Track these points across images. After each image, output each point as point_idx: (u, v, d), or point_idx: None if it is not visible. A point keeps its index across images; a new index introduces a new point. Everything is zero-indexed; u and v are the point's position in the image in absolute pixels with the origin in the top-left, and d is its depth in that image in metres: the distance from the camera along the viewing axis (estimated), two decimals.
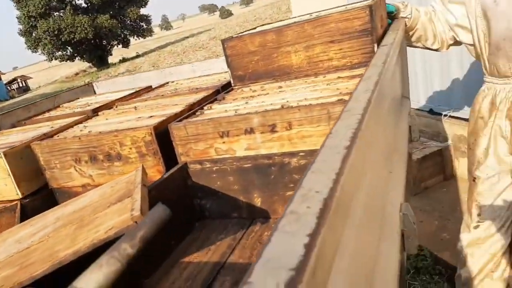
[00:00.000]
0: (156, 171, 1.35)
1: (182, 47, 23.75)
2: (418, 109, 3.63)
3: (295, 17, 1.94)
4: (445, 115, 3.26)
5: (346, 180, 0.48)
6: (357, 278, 0.69)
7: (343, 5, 1.76)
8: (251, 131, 1.17)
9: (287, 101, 1.22)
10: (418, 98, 3.63)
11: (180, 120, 1.31)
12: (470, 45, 1.68)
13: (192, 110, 1.46)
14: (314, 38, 1.48)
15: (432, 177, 3.10)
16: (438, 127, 3.34)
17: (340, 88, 1.23)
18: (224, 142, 1.22)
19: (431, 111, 3.46)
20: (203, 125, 1.23)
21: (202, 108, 1.44)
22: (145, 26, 33.88)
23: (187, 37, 32.11)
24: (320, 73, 1.51)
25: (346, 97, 1.09)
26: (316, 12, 1.84)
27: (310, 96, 1.22)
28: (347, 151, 0.52)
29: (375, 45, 1.40)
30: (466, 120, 3.08)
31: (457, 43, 1.76)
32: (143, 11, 33.18)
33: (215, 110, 1.37)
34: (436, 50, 1.81)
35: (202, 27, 47.35)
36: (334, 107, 1.04)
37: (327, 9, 1.84)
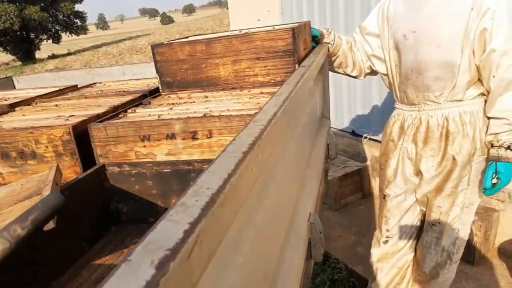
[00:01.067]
0: (73, 172, 1.32)
1: (119, 49, 22.97)
2: (342, 130, 3.88)
3: (227, 32, 2.01)
4: (365, 137, 3.52)
5: (238, 181, 0.53)
6: (255, 274, 0.74)
7: (272, 25, 1.86)
8: (172, 136, 1.20)
9: (210, 111, 1.27)
10: (342, 120, 3.88)
11: (102, 121, 1.31)
12: (384, 74, 1.85)
13: (115, 112, 1.45)
14: (242, 53, 1.56)
15: (352, 194, 3.31)
16: (359, 148, 3.59)
17: (261, 102, 1.31)
18: (144, 146, 1.24)
19: (353, 133, 3.71)
20: (124, 128, 1.23)
21: (125, 111, 1.45)
22: (79, 23, 32.27)
23: (125, 39, 31.12)
24: (246, 87, 1.59)
25: None
26: (247, 29, 1.93)
27: (232, 107, 1.28)
28: (243, 156, 0.58)
29: (296, 65, 1.50)
30: None
31: (373, 72, 1.92)
32: (78, 7, 31.60)
33: (139, 114, 1.38)
34: (355, 77, 1.97)
35: (141, 30, 46.21)
36: (252, 118, 1.11)
37: (258, 27, 1.93)
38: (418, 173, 1.74)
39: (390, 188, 1.84)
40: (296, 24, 1.68)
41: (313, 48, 1.88)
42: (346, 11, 3.50)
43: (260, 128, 0.70)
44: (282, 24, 1.89)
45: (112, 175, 1.29)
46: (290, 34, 1.48)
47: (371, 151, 3.46)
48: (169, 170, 1.22)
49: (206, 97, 1.50)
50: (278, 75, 1.55)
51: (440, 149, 1.65)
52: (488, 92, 1.59)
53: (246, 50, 1.55)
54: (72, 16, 31.28)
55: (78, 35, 32.78)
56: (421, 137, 1.69)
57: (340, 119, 3.92)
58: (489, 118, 1.57)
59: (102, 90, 2.06)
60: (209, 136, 1.16)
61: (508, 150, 1.51)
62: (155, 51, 1.68)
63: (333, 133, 2.21)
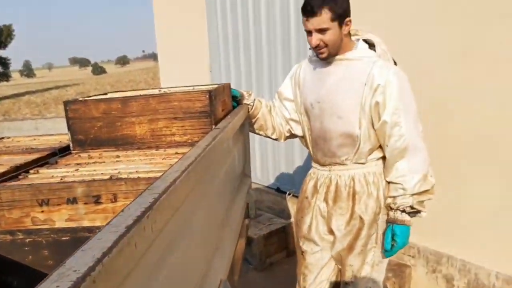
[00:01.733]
0: None
1: (43, 98, 21.85)
2: (267, 187, 3.93)
3: (147, 89, 2.00)
4: (289, 194, 3.58)
5: (115, 260, 0.49)
6: None
7: (191, 86, 1.89)
8: (74, 201, 1.12)
9: (119, 172, 1.22)
10: (268, 177, 3.95)
11: None
12: (301, 137, 1.95)
13: (16, 172, 1.33)
14: (159, 112, 1.54)
15: (277, 252, 3.29)
16: (283, 205, 3.64)
17: (173, 164, 1.28)
18: (42, 211, 1.13)
19: (278, 190, 3.77)
20: (21, 191, 1.13)
21: (27, 171, 1.34)
22: (1, 70, 30.51)
23: (51, 89, 29.77)
24: (162, 146, 1.56)
25: None
26: (168, 88, 1.94)
27: (143, 169, 1.24)
28: (125, 230, 0.54)
29: (213, 126, 1.52)
30: None
31: (293, 135, 2.01)
32: (2, 53, 29.97)
33: (41, 175, 1.28)
34: (276, 139, 2.04)
35: (70, 80, 44.69)
36: None
37: (181, 87, 1.95)
38: (331, 231, 1.79)
39: (306, 245, 1.89)
40: (215, 86, 1.72)
41: (234, 108, 1.93)
42: (270, 74, 3.69)
43: (153, 197, 0.68)
44: (203, 85, 1.92)
45: (3, 245, 1.15)
46: (207, 96, 1.50)
47: (294, 208, 3.51)
48: (68, 238, 1.12)
49: (118, 156, 1.44)
50: (195, 135, 1.55)
51: (348, 208, 1.74)
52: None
53: (164, 110, 1.54)
54: None
55: None
56: (331, 196, 1.79)
57: (265, 176, 3.99)
58: (388, 182, 1.70)
59: (8, 147, 1.90)
60: (113, 200, 1.10)
61: (404, 213, 1.64)
62: (67, 108, 1.60)
63: (253, 192, 2.22)
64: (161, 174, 1.17)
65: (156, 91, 1.79)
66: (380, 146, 1.71)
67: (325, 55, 1.65)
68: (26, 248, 1.15)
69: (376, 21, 2.39)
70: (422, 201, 1.66)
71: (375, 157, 1.72)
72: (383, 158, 1.73)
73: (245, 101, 1.96)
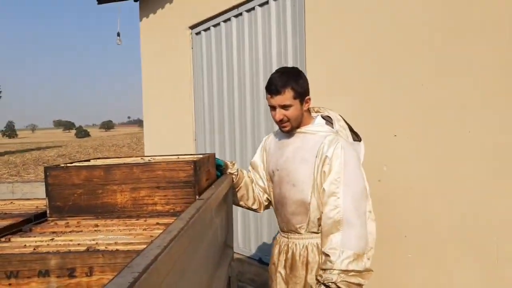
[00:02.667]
0: None
1: (23, 158, 21.47)
2: (249, 257, 3.81)
3: (132, 157, 2.00)
4: None
5: None
6: None
7: (176, 155, 1.90)
8: (46, 273, 1.06)
9: (96, 243, 1.17)
10: (250, 247, 3.84)
11: None
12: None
13: None
14: (142, 181, 1.53)
15: None
16: (266, 277, 3.50)
17: (154, 235, 1.24)
18: (10, 285, 1.06)
19: (260, 260, 3.66)
20: None
21: None
22: None
23: (32, 149, 29.41)
24: (143, 215, 1.52)
25: None
26: (152, 156, 1.94)
27: (122, 240, 1.19)
28: None
29: (197, 196, 1.50)
30: None
31: (270, 204, 2.04)
32: None
33: (12, 244, 1.21)
34: (255, 210, 2.06)
35: (52, 142, 44.38)
36: None
37: (162, 156, 1.95)
38: None
39: None
40: (200, 156, 1.73)
41: (218, 177, 1.93)
42: (254, 143, 3.74)
43: (133, 277, 0.64)
44: (187, 155, 1.94)
45: None
46: (192, 166, 1.50)
47: None
48: None
49: (97, 225, 1.39)
50: (178, 205, 1.53)
51: (302, 277, 1.75)
52: None
53: (147, 179, 1.53)
54: None
55: None
56: (288, 263, 1.81)
57: (248, 246, 3.88)
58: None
59: None
60: (89, 274, 1.04)
61: None
62: (47, 173, 1.58)
63: (235, 264, 2.15)
64: (140, 247, 1.13)
65: (139, 160, 1.78)
66: None
67: (288, 129, 1.80)
68: None
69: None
70: (350, 283, 1.57)
71: None
72: None
73: (229, 171, 1.97)
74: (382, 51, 2.52)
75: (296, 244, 1.80)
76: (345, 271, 1.56)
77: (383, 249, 2.52)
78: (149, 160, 1.73)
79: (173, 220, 1.46)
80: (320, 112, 1.89)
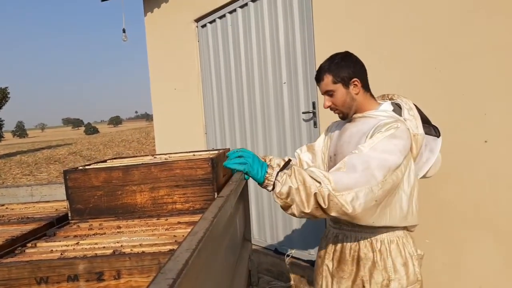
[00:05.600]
0: None
1: (35, 158, 21.72)
2: (265, 248, 3.83)
3: (148, 156, 2.01)
4: (287, 255, 3.49)
5: None
6: None
7: (192, 152, 1.90)
8: (74, 278, 1.07)
9: (121, 246, 1.18)
10: (265, 238, 3.86)
11: None
12: None
13: (12, 247, 1.29)
14: (160, 180, 1.54)
15: None
16: (282, 267, 3.53)
17: (177, 235, 1.25)
18: None
19: (276, 251, 3.68)
20: (18, 269, 1.08)
21: (25, 245, 1.29)
22: None
23: (43, 148, 29.72)
24: (163, 215, 1.53)
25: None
26: (168, 154, 1.94)
27: (146, 241, 1.20)
28: None
29: (216, 193, 1.51)
30: (304, 261, 3.34)
31: None
32: None
33: (39, 250, 1.24)
34: None
35: (62, 140, 44.79)
36: (165, 257, 1.04)
37: (178, 153, 1.96)
38: None
39: None
40: (216, 152, 1.73)
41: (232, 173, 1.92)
42: (264, 135, 3.74)
43: (168, 284, 0.65)
44: (203, 151, 1.94)
45: None
46: (209, 163, 1.51)
47: (293, 269, 3.41)
48: None
49: (119, 227, 1.41)
50: (197, 202, 1.53)
51: (351, 273, 1.65)
52: (406, 228, 1.66)
53: (165, 178, 1.54)
54: None
55: None
56: (336, 256, 1.72)
57: (263, 237, 3.91)
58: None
59: (3, 216, 1.85)
60: (117, 277, 1.06)
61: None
62: (67, 177, 1.59)
63: (254, 258, 2.16)
64: (165, 247, 1.14)
65: (156, 159, 1.79)
66: (398, 214, 1.57)
67: (341, 115, 1.74)
68: None
69: None
70: (279, 193, 1.45)
71: (389, 224, 1.56)
72: (401, 228, 1.64)
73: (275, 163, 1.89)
74: (391, 40, 2.48)
75: (347, 237, 1.69)
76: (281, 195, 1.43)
77: None
78: (166, 159, 1.73)
79: (193, 218, 1.47)
80: (393, 100, 1.74)
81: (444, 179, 2.29)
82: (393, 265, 1.59)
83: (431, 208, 2.36)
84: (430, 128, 1.70)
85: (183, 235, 1.24)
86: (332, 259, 1.74)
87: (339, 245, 1.71)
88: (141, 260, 1.05)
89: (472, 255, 2.21)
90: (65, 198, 2.12)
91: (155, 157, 1.86)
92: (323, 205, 1.38)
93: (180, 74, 4.84)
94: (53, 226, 1.59)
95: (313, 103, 3.20)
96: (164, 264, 0.75)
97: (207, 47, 4.44)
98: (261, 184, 1.54)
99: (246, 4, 3.80)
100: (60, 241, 1.30)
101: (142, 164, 1.57)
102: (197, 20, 4.51)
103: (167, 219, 1.47)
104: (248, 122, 3.94)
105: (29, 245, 1.30)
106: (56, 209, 1.91)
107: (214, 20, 4.28)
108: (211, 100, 4.47)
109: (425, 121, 1.70)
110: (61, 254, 1.15)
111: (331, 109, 1.72)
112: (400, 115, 1.65)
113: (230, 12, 4.03)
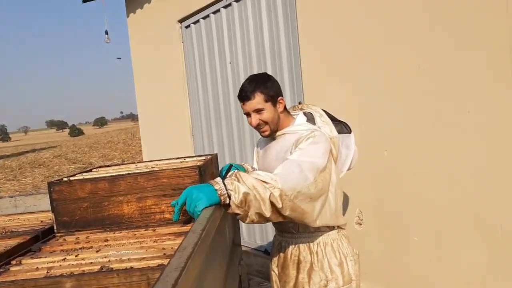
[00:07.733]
0: None
1: (19, 162, 21.31)
2: (255, 249, 3.83)
3: (134, 164, 1.98)
4: None
5: None
6: None
7: (179, 158, 1.88)
8: None
9: (109, 261, 1.16)
10: (255, 239, 3.86)
11: None
12: None
13: None
14: (147, 190, 1.51)
15: None
16: None
17: (166, 247, 1.23)
18: None
19: (265, 252, 3.68)
20: None
21: (9, 263, 1.26)
22: None
23: (27, 152, 29.19)
24: (152, 225, 1.51)
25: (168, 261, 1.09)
26: (155, 161, 1.92)
27: (134, 255, 1.18)
28: None
29: None
30: None
31: None
32: None
33: (24, 267, 1.20)
34: None
35: (46, 142, 44.08)
36: (154, 273, 1.03)
37: (165, 159, 1.93)
38: None
39: None
40: (203, 159, 1.71)
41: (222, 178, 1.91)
42: (252, 137, 3.73)
43: None
44: (189, 157, 1.92)
45: None
46: (197, 171, 1.49)
47: None
48: None
49: (107, 240, 1.38)
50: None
51: (292, 277, 1.77)
52: (339, 227, 1.78)
53: (152, 187, 1.52)
54: None
55: None
56: (280, 262, 1.83)
57: (252, 238, 3.90)
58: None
59: None
60: None
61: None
62: (52, 189, 1.56)
63: (244, 262, 2.16)
64: (154, 261, 1.12)
65: (143, 167, 1.76)
66: (329, 212, 1.66)
67: (268, 133, 1.77)
68: None
69: None
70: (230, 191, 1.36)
71: (325, 223, 1.67)
72: (335, 228, 1.76)
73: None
74: (376, 34, 2.49)
75: (289, 243, 1.81)
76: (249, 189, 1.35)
77: (389, 234, 2.54)
78: (152, 167, 1.71)
79: (182, 228, 1.46)
80: (303, 109, 1.87)
81: (430, 177, 2.31)
82: (329, 266, 1.71)
83: (418, 206, 2.38)
84: (341, 126, 1.83)
85: (172, 248, 1.23)
86: (278, 265, 1.86)
87: (282, 252, 1.84)
88: (130, 277, 1.03)
89: (460, 251, 2.24)
90: (50, 208, 2.08)
91: (138, 166, 1.83)
92: (277, 204, 1.40)
93: (165, 75, 4.79)
94: (38, 240, 1.55)
95: (299, 103, 3.19)
96: (152, 286, 0.73)
97: (192, 48, 4.40)
98: (219, 202, 1.34)
99: (230, 4, 3.77)
100: (46, 257, 1.27)
101: (128, 174, 1.54)
102: (181, 21, 4.46)
103: (155, 230, 1.45)
104: (234, 122, 3.93)
105: (13, 262, 1.27)
106: (42, 221, 1.87)
107: (198, 21, 4.24)
108: (197, 101, 4.44)
109: (336, 120, 1.83)
110: (47, 272, 1.13)
111: (258, 125, 1.74)
112: (314, 123, 1.78)
113: (214, 13, 4.00)
